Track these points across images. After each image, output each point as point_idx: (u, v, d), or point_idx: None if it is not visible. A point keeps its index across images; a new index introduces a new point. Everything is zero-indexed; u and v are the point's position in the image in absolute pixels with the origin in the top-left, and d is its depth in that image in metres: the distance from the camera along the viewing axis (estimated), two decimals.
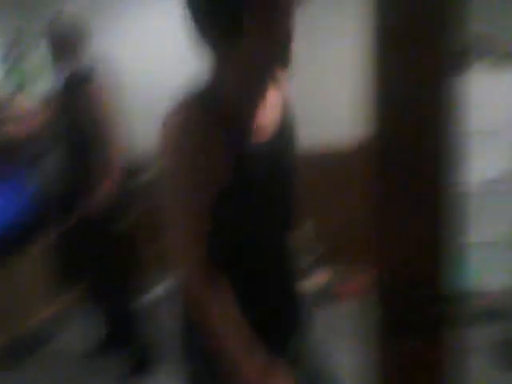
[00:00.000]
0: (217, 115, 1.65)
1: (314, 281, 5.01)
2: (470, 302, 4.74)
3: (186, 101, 1.68)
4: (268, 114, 1.80)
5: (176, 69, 5.56)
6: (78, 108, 3.96)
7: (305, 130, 2.10)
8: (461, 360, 1.14)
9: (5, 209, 4.72)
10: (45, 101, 4.40)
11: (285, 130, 1.87)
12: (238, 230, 1.75)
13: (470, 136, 5.18)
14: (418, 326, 1.06)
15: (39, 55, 5.32)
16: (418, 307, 1.05)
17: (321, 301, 4.91)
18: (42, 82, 5.42)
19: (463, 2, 1.04)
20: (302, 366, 1.86)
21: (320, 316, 4.46)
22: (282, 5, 1.58)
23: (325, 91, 5.54)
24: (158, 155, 1.68)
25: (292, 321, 1.91)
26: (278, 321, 1.85)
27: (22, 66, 5.68)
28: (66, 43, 4.03)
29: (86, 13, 4.30)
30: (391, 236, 1.11)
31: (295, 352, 1.86)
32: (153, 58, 5.74)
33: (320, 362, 1.94)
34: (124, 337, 4.31)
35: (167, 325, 4.58)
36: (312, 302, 4.69)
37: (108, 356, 4.44)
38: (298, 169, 1.89)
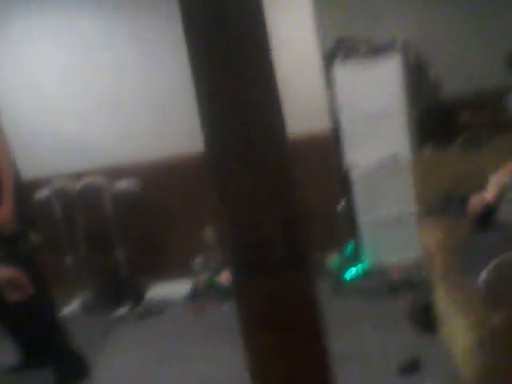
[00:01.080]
0: None
1: (222, 280, 5.12)
2: (384, 276, 4.92)
3: None
4: None
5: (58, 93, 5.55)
6: None
7: None
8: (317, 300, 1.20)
9: None
10: None
11: None
12: None
13: (361, 120, 5.38)
14: (266, 267, 1.14)
15: None
16: (267, 250, 1.13)
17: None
18: None
19: None
20: None
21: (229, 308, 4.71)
22: None
23: None
24: None
25: None
26: None
27: None
28: None
29: None
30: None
31: None
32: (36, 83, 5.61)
33: None
34: (46, 351, 4.21)
35: (87, 338, 4.63)
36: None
37: (32, 371, 4.33)
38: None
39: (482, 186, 3.95)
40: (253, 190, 1.07)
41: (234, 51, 1.03)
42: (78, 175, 5.40)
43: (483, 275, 2.89)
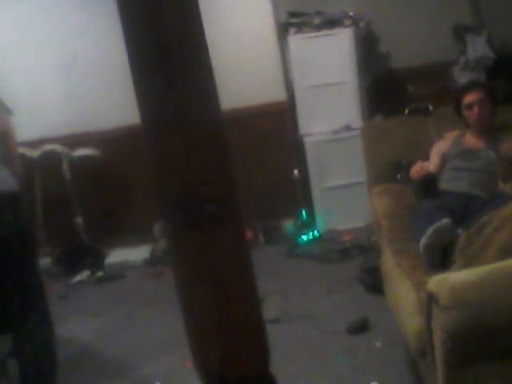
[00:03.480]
0: None
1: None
2: (336, 241, 5.07)
3: None
4: None
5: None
6: None
7: None
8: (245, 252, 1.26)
9: None
10: None
11: None
12: None
13: (314, 90, 5.44)
14: (199, 222, 1.17)
15: None
16: (199, 206, 1.15)
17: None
18: None
19: None
20: None
21: None
22: None
23: None
24: None
25: None
26: None
27: None
28: None
29: None
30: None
31: None
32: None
33: None
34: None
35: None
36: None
37: None
38: None
39: (428, 153, 4.09)
40: (184, 153, 1.08)
41: (164, 22, 1.04)
42: (37, 143, 5.40)
43: (421, 242, 3.05)
